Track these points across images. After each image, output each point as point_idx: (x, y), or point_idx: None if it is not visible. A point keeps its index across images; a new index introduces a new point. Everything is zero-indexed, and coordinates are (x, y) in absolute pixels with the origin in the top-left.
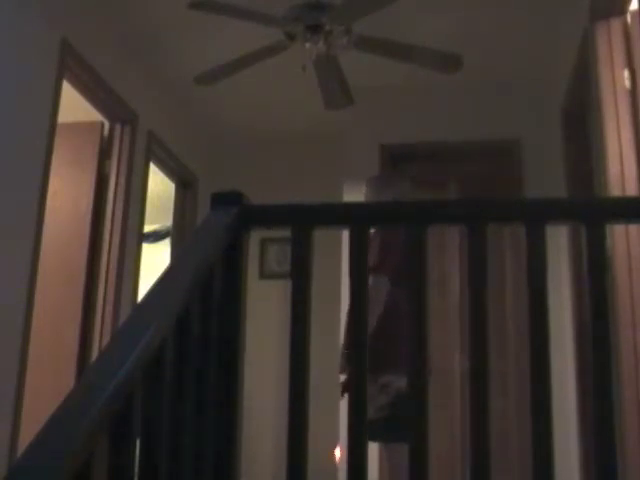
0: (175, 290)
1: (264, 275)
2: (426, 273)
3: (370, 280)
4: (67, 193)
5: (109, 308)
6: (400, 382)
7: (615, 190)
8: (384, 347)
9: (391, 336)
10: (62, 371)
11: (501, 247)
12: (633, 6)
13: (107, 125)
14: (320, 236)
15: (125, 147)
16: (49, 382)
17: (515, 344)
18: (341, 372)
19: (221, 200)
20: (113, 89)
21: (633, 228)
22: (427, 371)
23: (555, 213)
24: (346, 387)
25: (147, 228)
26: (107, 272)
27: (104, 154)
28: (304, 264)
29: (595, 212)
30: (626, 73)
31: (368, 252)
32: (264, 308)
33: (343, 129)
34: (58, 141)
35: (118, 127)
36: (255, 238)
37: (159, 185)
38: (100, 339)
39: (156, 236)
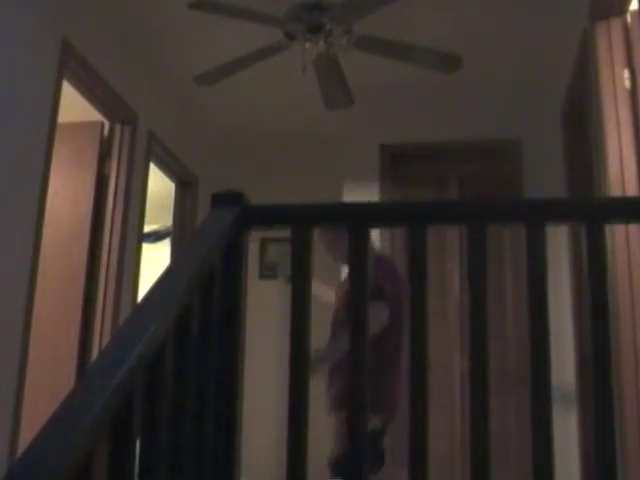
0: (175, 290)
1: (264, 275)
2: (426, 273)
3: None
4: (67, 193)
5: (109, 308)
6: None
7: (615, 190)
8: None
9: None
10: (62, 371)
11: (501, 247)
12: (633, 6)
13: (107, 125)
14: None
15: (125, 147)
16: (49, 382)
17: (515, 344)
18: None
19: (221, 200)
20: (113, 89)
21: (633, 228)
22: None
23: (555, 213)
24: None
25: (147, 228)
26: (107, 272)
27: (104, 154)
28: (304, 264)
29: (595, 212)
30: (626, 73)
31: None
32: (264, 308)
33: (343, 129)
34: (58, 141)
35: (118, 127)
36: (255, 238)
37: (159, 185)
38: (100, 339)
39: (156, 236)
